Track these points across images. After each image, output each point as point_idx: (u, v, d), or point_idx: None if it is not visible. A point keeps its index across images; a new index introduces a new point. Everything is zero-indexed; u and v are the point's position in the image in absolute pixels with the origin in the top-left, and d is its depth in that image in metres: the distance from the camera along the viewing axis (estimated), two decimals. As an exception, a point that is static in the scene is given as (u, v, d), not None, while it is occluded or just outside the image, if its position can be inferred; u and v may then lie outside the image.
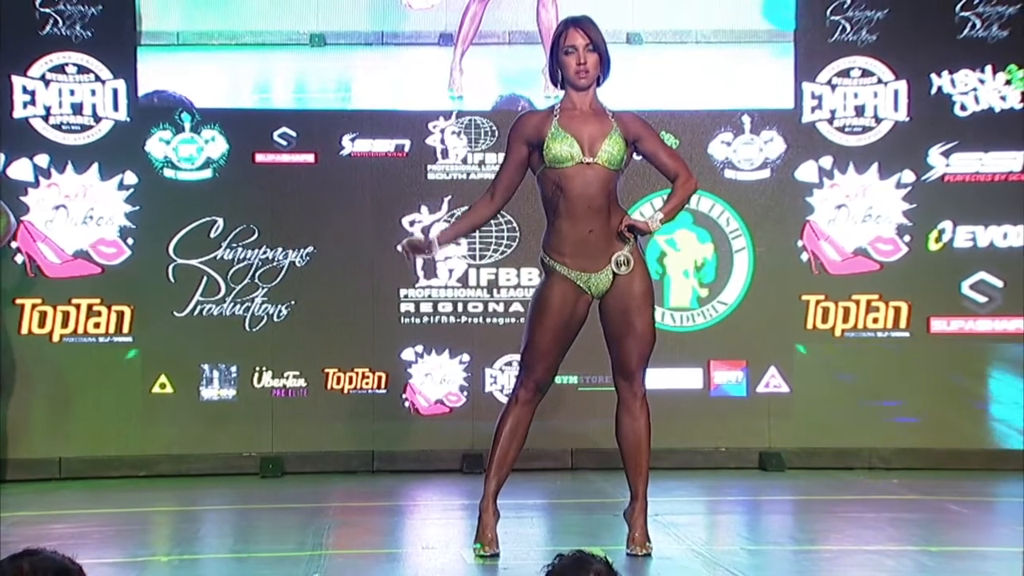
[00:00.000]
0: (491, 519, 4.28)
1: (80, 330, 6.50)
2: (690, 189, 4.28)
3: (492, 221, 6.57)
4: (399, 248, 4.42)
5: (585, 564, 2.09)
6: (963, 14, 6.64)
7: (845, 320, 6.67)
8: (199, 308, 6.56)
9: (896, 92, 6.68)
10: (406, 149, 6.67)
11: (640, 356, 4.22)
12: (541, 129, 4.21)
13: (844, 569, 4.37)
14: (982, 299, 6.65)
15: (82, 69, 6.52)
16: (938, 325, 6.67)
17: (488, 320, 6.66)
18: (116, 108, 6.54)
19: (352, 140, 6.63)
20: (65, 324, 6.49)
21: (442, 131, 6.67)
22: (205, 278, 6.56)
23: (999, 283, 6.64)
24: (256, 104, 6.65)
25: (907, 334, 6.67)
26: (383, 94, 6.65)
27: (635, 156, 4.34)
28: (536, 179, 4.30)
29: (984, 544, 4.72)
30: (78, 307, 6.50)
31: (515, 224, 6.63)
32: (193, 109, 6.53)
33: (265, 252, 6.59)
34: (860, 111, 6.69)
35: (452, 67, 6.59)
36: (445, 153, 6.67)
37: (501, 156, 6.59)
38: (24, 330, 6.45)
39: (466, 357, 6.64)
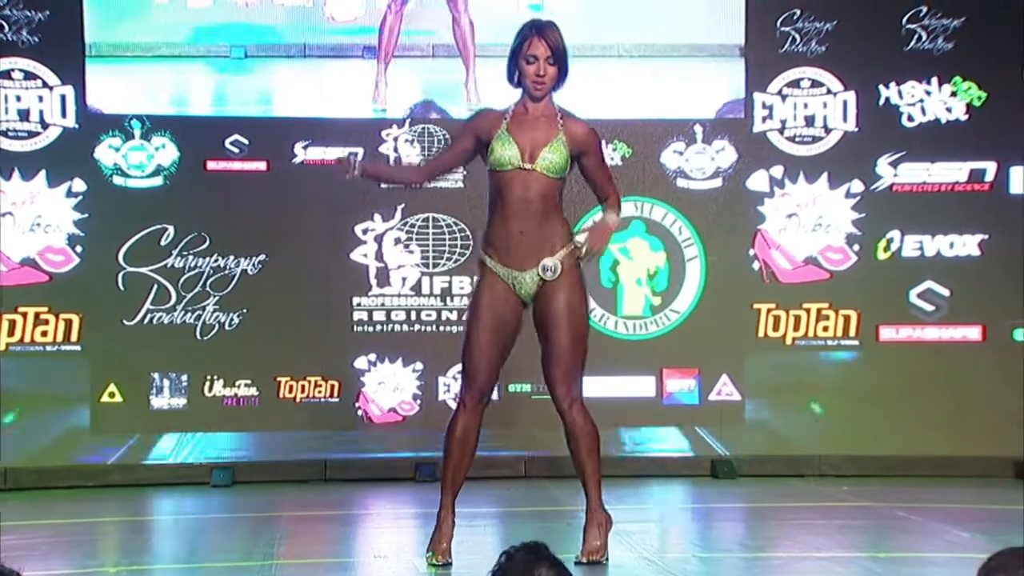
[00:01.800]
0: (448, 529, 4.28)
1: (27, 339, 6.42)
2: (617, 211, 4.34)
3: (446, 230, 6.63)
4: (335, 158, 4.42)
5: (531, 567, 2.09)
6: (909, 26, 6.73)
7: (796, 328, 6.73)
8: (149, 316, 6.49)
9: (845, 103, 6.76)
10: (359, 157, 6.63)
11: (562, 367, 4.23)
12: (491, 129, 4.23)
13: (794, 575, 4.40)
14: (929, 307, 6.74)
15: (29, 75, 6.45)
16: (887, 333, 6.74)
17: (441, 328, 6.65)
18: (64, 115, 6.47)
19: (305, 148, 6.60)
20: (12, 332, 6.41)
21: (395, 139, 6.65)
22: (155, 286, 6.50)
23: (946, 292, 6.73)
24: (201, 111, 6.61)
25: (856, 342, 6.74)
26: (312, 105, 6.63)
27: None
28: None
29: (932, 550, 4.77)
30: (25, 315, 6.42)
31: (468, 232, 6.63)
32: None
33: (216, 260, 6.55)
34: (810, 121, 6.76)
35: (376, 80, 6.57)
36: (399, 161, 6.65)
37: (454, 164, 6.70)
38: (-30, 339, 6.36)
39: (419, 365, 6.63)
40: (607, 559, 4.26)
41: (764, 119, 6.76)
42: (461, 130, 4.37)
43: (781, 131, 6.77)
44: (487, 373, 4.23)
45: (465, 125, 4.35)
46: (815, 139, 6.78)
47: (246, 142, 6.56)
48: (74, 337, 6.44)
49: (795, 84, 6.76)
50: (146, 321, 6.49)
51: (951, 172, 6.76)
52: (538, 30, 4.20)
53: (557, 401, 4.28)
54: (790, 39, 6.73)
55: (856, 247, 6.75)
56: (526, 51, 4.18)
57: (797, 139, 6.78)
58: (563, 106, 4.29)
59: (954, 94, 6.73)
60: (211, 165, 6.57)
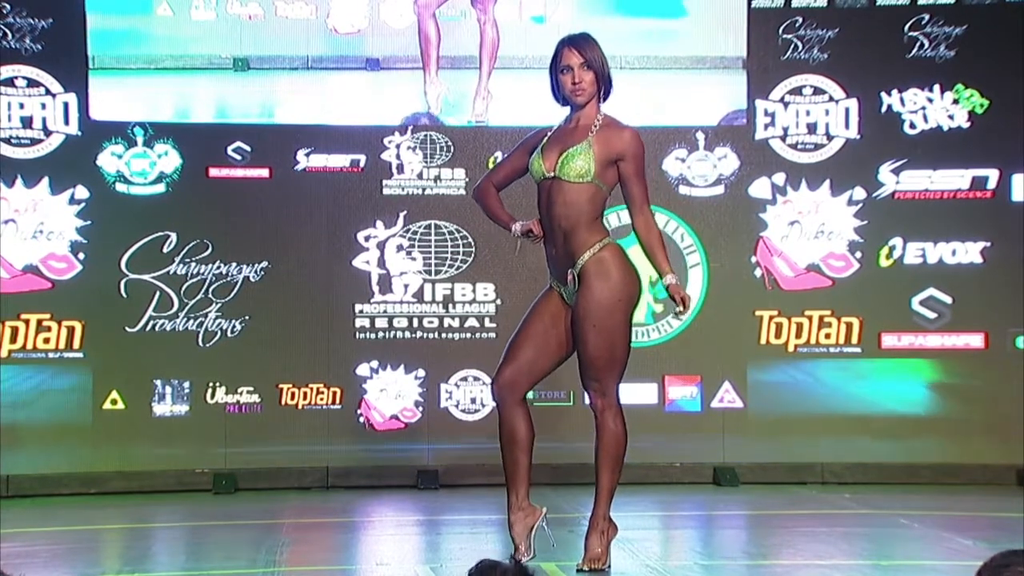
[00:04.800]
0: (521, 529, 4.19)
1: (29, 346, 6.42)
2: (642, 232, 4.26)
3: (448, 237, 6.63)
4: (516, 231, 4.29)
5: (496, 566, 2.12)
6: (911, 34, 6.74)
7: (798, 336, 6.73)
8: (152, 323, 6.50)
9: (847, 110, 6.76)
10: (361, 164, 6.66)
11: (585, 371, 4.22)
12: (536, 144, 4.28)
13: (797, 583, 4.40)
14: (932, 315, 6.74)
15: (32, 82, 6.46)
16: (889, 341, 6.74)
17: (443, 335, 6.66)
18: (67, 122, 6.48)
19: (307, 155, 6.61)
20: (14, 339, 6.41)
21: (398, 146, 6.66)
22: (158, 293, 6.50)
23: (948, 299, 6.73)
24: (206, 119, 6.62)
25: (859, 349, 6.74)
26: (315, 113, 6.63)
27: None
28: None
29: (934, 558, 4.76)
30: (27, 322, 6.43)
31: (471, 239, 6.63)
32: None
33: (219, 267, 6.55)
34: (812, 128, 6.77)
35: (477, 92, 6.57)
36: (401, 168, 6.66)
37: (456, 171, 6.73)
38: (-28, 346, 6.37)
39: (421, 372, 6.63)
40: (609, 567, 4.25)
41: (766, 126, 6.77)
42: (515, 147, 4.40)
43: (783, 138, 6.78)
44: (512, 368, 4.21)
45: (520, 142, 4.38)
46: (817, 146, 6.78)
47: (248, 149, 6.57)
48: (76, 344, 6.45)
49: (797, 91, 6.77)
50: (148, 328, 6.49)
51: (953, 179, 6.76)
52: (569, 42, 4.25)
53: (591, 400, 4.29)
54: (792, 47, 6.74)
55: (858, 254, 6.75)
56: (561, 63, 4.22)
57: (799, 146, 6.78)
58: (612, 115, 4.25)
59: (956, 101, 6.74)
60: (213, 172, 6.58)
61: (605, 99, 4.25)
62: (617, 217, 6.78)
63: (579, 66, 4.19)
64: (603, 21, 6.68)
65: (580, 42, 4.23)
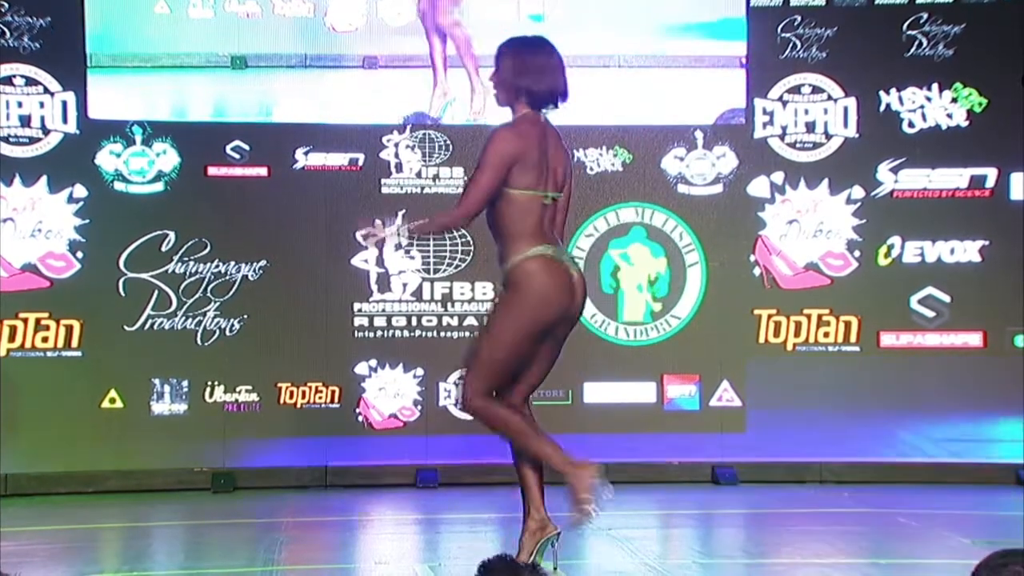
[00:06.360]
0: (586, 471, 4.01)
1: (28, 344, 6.42)
2: (445, 220, 4.28)
3: (447, 235, 6.62)
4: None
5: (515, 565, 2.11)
6: (910, 33, 6.74)
7: (797, 334, 6.73)
8: (150, 322, 6.50)
9: (846, 109, 6.76)
10: (360, 163, 6.66)
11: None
12: None
13: (795, 582, 4.40)
14: (930, 314, 6.74)
15: (30, 81, 6.46)
16: (888, 340, 6.74)
17: (442, 334, 6.65)
18: (65, 120, 6.47)
19: (306, 154, 6.61)
20: (12, 338, 6.41)
21: (396, 145, 6.66)
22: (156, 292, 6.50)
23: (947, 298, 6.73)
24: (204, 118, 6.62)
25: (857, 348, 6.74)
26: (313, 111, 6.63)
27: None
28: None
29: (932, 556, 4.77)
30: (26, 321, 6.42)
31: (469, 238, 6.63)
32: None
33: (217, 266, 6.55)
34: (811, 127, 6.77)
35: (473, 90, 6.56)
36: (399, 167, 6.66)
37: (455, 170, 6.72)
38: (-30, 344, 6.37)
39: (420, 371, 6.63)
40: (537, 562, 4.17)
41: (765, 125, 6.76)
42: None
43: (782, 137, 6.78)
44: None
45: None
46: (816, 145, 6.78)
47: (247, 148, 6.56)
48: (75, 343, 6.44)
49: (796, 90, 6.77)
50: (147, 327, 6.49)
51: (952, 178, 6.76)
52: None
53: None
54: (791, 45, 6.74)
55: (857, 253, 6.75)
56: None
57: (798, 145, 6.78)
58: (509, 117, 4.19)
59: (955, 100, 6.74)
60: (212, 171, 6.57)
61: (500, 104, 4.19)
62: (616, 216, 6.79)
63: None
64: (601, 20, 6.68)
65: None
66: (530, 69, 4.12)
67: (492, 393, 4.14)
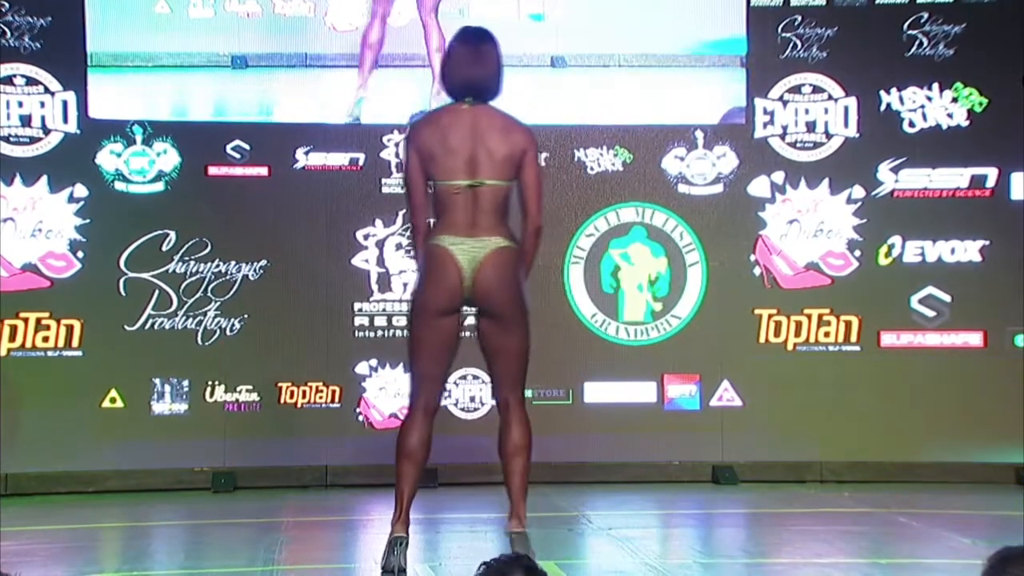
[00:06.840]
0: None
1: (28, 344, 6.42)
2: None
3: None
4: None
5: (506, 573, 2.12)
6: (910, 32, 6.74)
7: (797, 334, 6.73)
8: (151, 322, 6.50)
9: (846, 108, 6.76)
10: (360, 162, 6.66)
11: None
12: None
13: (795, 581, 4.40)
14: (931, 313, 6.73)
15: (31, 80, 6.46)
16: (888, 339, 6.74)
17: (442, 334, 6.64)
18: (66, 120, 6.47)
19: (306, 153, 6.61)
20: (13, 338, 6.41)
21: (397, 144, 6.66)
22: (157, 292, 6.50)
23: (947, 298, 6.73)
24: (204, 117, 6.62)
25: (858, 348, 6.74)
26: (314, 111, 6.62)
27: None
28: None
29: (933, 557, 4.77)
30: (26, 321, 6.42)
31: (469, 238, 6.62)
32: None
33: (218, 265, 6.55)
34: (811, 127, 6.77)
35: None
36: (400, 166, 6.66)
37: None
38: (-29, 344, 6.37)
39: (420, 371, 6.61)
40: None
41: (765, 125, 6.76)
42: None
43: (782, 137, 6.78)
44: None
45: None
46: (816, 145, 6.78)
47: (247, 148, 6.56)
48: (75, 342, 6.45)
49: (796, 90, 6.77)
50: (147, 326, 6.49)
51: (952, 178, 6.76)
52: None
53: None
54: (791, 45, 6.74)
55: (857, 253, 6.75)
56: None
57: (798, 145, 6.78)
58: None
59: (955, 100, 6.74)
60: (212, 171, 6.57)
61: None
62: (617, 216, 6.79)
63: None
64: (601, 19, 6.67)
65: None
66: (450, 59, 4.21)
67: (423, 403, 4.26)
